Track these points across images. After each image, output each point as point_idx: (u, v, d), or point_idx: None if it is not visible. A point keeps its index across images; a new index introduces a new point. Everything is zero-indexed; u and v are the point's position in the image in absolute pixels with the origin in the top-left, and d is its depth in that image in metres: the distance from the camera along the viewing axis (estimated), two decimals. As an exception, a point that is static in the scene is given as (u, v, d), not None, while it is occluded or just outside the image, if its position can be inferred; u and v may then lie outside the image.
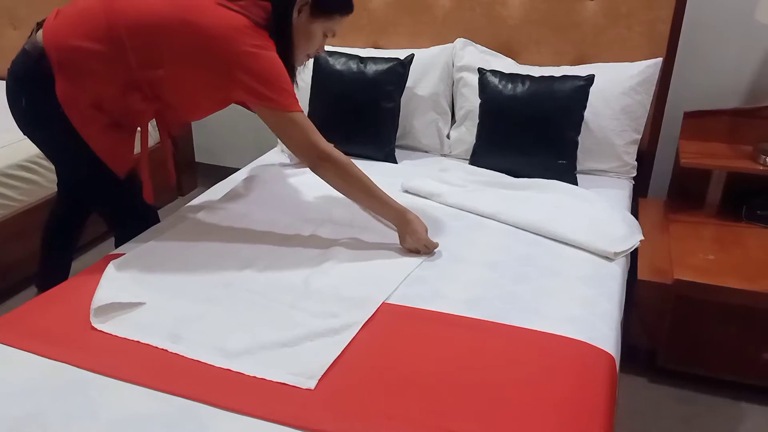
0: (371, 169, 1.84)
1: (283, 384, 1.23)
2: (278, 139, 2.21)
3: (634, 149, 2.27)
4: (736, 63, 2.33)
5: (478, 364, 1.30)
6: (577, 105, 2.15)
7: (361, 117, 2.37)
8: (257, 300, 1.50)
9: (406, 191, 2.08)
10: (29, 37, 1.68)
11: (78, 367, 1.27)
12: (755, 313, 1.83)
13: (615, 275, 1.67)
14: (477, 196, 2.00)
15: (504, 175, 2.18)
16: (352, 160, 1.71)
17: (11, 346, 1.33)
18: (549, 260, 1.70)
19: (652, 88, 2.24)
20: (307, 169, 1.73)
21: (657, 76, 2.23)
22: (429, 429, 1.12)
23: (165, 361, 1.29)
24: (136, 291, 1.51)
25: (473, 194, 2.01)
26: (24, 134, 1.77)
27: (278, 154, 2.52)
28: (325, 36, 1.76)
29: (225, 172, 2.54)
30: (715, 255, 1.97)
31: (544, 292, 1.55)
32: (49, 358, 1.30)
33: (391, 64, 2.35)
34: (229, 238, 1.78)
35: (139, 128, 1.82)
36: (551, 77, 2.20)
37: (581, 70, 2.22)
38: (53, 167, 2.06)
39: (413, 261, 1.67)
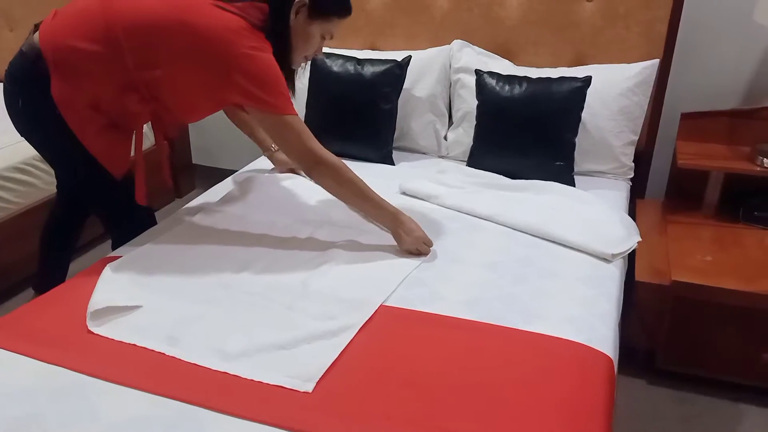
0: (368, 171, 1.84)
1: (281, 387, 1.22)
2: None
3: (631, 150, 2.27)
4: (733, 64, 2.33)
5: (477, 366, 1.29)
6: (574, 106, 2.15)
7: (358, 119, 2.36)
8: (255, 302, 1.49)
9: (404, 193, 2.08)
10: (26, 38, 1.68)
11: (75, 370, 1.26)
12: (753, 314, 1.83)
13: (613, 276, 1.67)
14: (475, 198, 2.00)
15: (501, 176, 2.18)
16: (349, 162, 1.71)
17: (8, 349, 1.33)
18: (547, 261, 1.70)
19: (649, 89, 2.24)
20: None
21: (654, 77, 2.23)
22: (427, 431, 1.12)
23: (162, 365, 1.29)
24: (132, 294, 1.50)
25: (471, 196, 2.01)
26: (21, 136, 1.77)
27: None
28: (323, 38, 1.76)
29: (222, 174, 2.54)
30: (712, 256, 1.98)
31: (543, 294, 1.55)
32: (46, 361, 1.29)
33: (389, 65, 2.35)
34: (227, 240, 1.77)
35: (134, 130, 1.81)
36: (548, 79, 2.20)
37: (578, 72, 2.22)
38: (50, 169, 2.06)
39: (411, 263, 1.67)
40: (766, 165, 2.09)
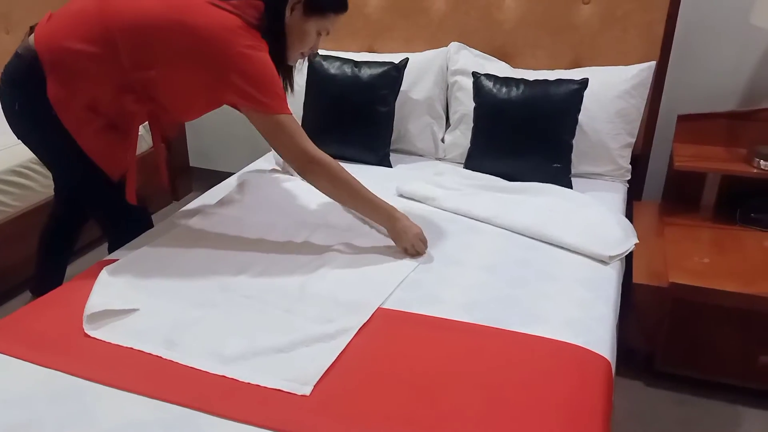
0: (366, 174, 1.84)
1: (279, 390, 1.22)
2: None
3: (628, 152, 2.28)
4: (730, 66, 2.34)
5: (474, 369, 1.29)
6: (571, 109, 2.15)
7: (355, 121, 2.36)
8: (253, 305, 1.49)
9: (401, 195, 2.08)
10: (22, 41, 1.68)
11: (72, 374, 1.26)
12: (751, 316, 1.83)
13: (611, 279, 1.67)
14: (472, 200, 2.00)
15: (499, 178, 2.18)
16: (346, 164, 1.71)
17: (4, 353, 1.32)
18: (545, 264, 1.70)
19: (645, 92, 2.24)
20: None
21: (651, 80, 2.23)
22: (426, 434, 1.12)
23: (160, 368, 1.28)
24: (129, 297, 1.50)
25: (468, 198, 2.01)
26: (18, 138, 1.76)
27: (273, 159, 2.51)
28: (319, 35, 1.75)
29: (219, 176, 2.54)
30: (710, 258, 1.98)
31: (541, 296, 1.55)
32: (43, 365, 1.28)
33: (386, 68, 2.35)
34: (224, 243, 1.77)
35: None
36: (545, 81, 2.20)
37: (575, 74, 2.22)
38: (47, 172, 2.05)
39: (409, 265, 1.66)
40: (762, 167, 2.09)
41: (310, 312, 1.46)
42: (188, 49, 1.59)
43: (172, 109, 1.75)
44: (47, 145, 1.76)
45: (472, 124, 2.30)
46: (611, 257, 1.73)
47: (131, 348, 1.34)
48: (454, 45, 2.45)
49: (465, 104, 2.37)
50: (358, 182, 1.72)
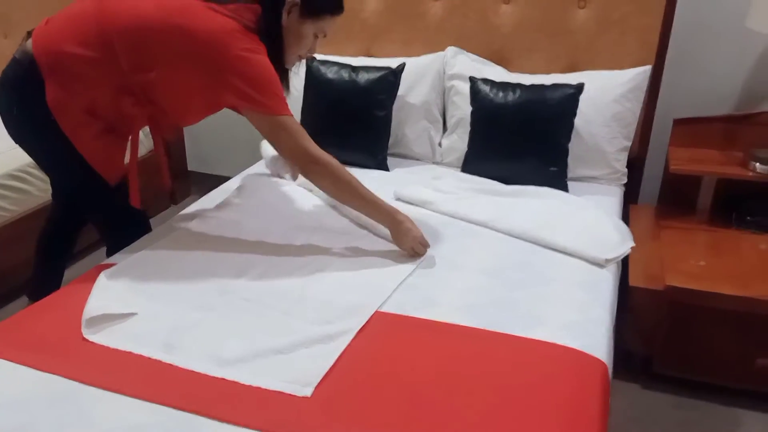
0: (363, 177, 1.83)
1: (279, 392, 1.22)
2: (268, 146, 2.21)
3: (624, 156, 2.28)
4: (726, 70, 2.35)
5: (471, 372, 1.29)
6: (567, 113, 2.16)
7: (353, 125, 2.37)
8: (251, 307, 1.49)
9: (399, 199, 2.08)
10: (19, 45, 1.68)
11: (70, 378, 1.26)
12: (748, 318, 1.83)
13: (607, 282, 1.67)
14: (469, 204, 2.00)
15: (496, 182, 2.18)
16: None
17: (2, 357, 1.32)
18: (542, 267, 1.70)
19: (641, 96, 2.25)
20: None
21: (646, 84, 2.24)
22: (425, 437, 1.12)
23: (158, 372, 1.28)
24: (127, 301, 1.50)
25: (466, 202, 2.02)
26: (15, 143, 1.76)
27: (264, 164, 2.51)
28: (316, 37, 1.76)
29: (218, 180, 2.53)
30: (706, 261, 1.98)
31: (538, 299, 1.55)
32: (41, 369, 1.28)
33: (383, 72, 2.36)
34: (223, 247, 1.77)
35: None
36: (542, 85, 2.21)
37: (572, 78, 2.23)
38: (45, 176, 2.05)
39: (407, 268, 1.67)
40: (758, 170, 2.10)
41: (309, 314, 1.46)
42: (187, 53, 1.60)
43: (171, 111, 1.75)
44: (45, 149, 1.76)
45: (469, 128, 2.30)
46: (608, 260, 1.73)
47: (129, 352, 1.34)
48: (451, 49, 2.45)
49: (462, 108, 2.38)
50: (361, 183, 1.72)
